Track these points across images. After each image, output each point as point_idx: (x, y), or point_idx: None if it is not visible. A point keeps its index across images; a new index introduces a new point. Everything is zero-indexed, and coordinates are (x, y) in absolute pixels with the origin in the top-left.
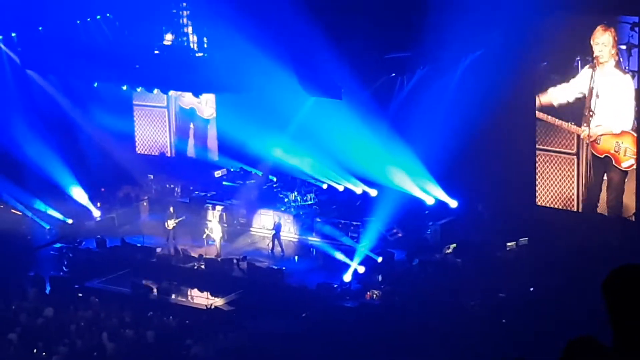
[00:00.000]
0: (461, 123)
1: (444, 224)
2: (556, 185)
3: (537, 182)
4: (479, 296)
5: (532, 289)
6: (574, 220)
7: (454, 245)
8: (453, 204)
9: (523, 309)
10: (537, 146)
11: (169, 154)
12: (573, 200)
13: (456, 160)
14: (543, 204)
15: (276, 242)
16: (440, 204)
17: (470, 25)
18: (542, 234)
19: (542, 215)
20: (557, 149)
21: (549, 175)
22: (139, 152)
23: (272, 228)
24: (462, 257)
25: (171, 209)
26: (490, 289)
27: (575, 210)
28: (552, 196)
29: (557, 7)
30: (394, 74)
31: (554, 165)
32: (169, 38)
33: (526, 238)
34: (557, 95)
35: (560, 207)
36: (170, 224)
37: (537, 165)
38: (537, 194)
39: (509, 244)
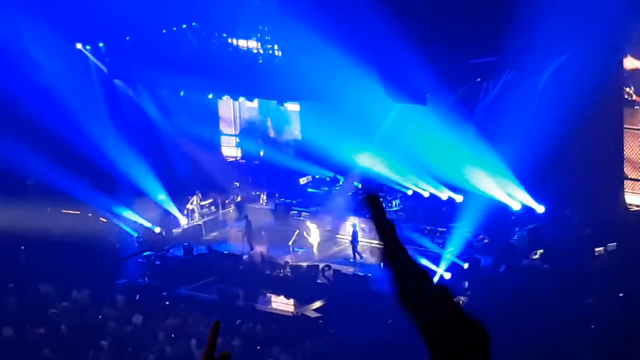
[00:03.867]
0: (547, 127)
1: (531, 229)
2: None
3: (625, 185)
4: (567, 302)
5: (621, 295)
6: None
7: (541, 251)
8: (540, 209)
9: (612, 314)
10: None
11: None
12: None
13: (543, 164)
14: (632, 207)
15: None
16: (527, 209)
17: (557, 29)
18: (632, 239)
19: (631, 220)
20: None
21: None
22: (225, 157)
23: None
24: (549, 263)
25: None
26: (579, 294)
27: None
28: None
29: None
30: (479, 79)
31: None
32: (253, 45)
33: (615, 243)
34: None
35: None
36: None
37: (624, 166)
38: (625, 198)
39: (597, 249)
